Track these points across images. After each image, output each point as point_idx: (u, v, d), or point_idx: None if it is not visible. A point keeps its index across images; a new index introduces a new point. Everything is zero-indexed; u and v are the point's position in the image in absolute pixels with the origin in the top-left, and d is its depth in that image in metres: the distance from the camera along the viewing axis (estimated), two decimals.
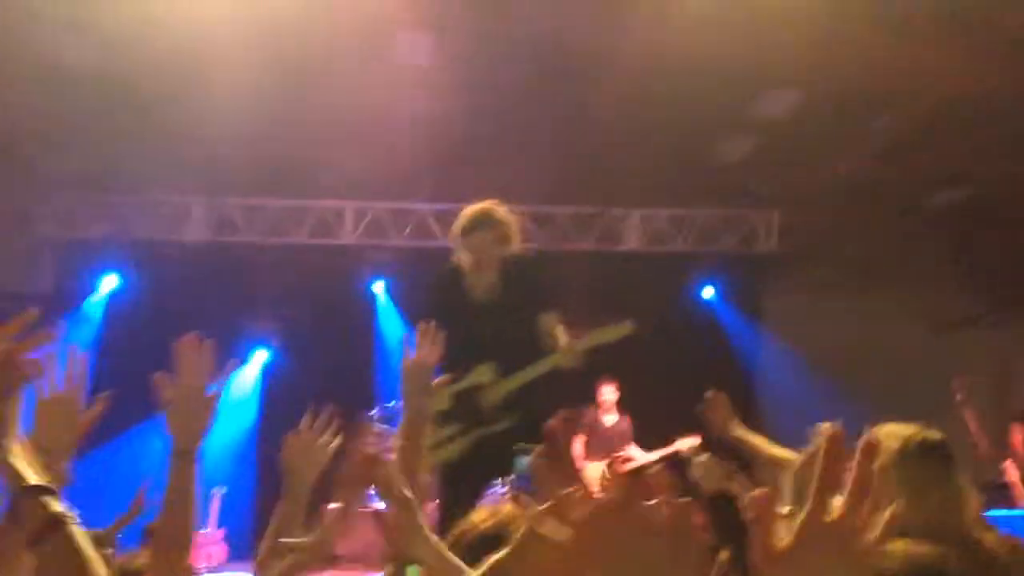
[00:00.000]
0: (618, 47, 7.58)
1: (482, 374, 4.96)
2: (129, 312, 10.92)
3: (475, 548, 2.08)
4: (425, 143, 8.98)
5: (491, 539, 2.03)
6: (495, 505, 2.38)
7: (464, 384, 4.86)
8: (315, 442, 2.74)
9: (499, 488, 6.96)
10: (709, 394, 3.57)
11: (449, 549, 2.16)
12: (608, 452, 9.39)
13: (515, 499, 2.21)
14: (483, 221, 4.95)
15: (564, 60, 7.72)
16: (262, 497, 10.78)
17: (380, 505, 2.25)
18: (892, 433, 3.08)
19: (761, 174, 10.27)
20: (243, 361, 11.44)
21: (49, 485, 1.70)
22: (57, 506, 1.68)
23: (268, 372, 11.59)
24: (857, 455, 1.16)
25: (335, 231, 11.15)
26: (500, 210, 5.01)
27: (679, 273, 11.73)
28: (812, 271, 11.94)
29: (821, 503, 1.14)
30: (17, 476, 1.68)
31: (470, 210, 5.02)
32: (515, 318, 5.00)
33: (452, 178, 9.82)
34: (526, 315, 5.02)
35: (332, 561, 9.96)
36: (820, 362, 11.50)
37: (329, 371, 10.56)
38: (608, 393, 9.72)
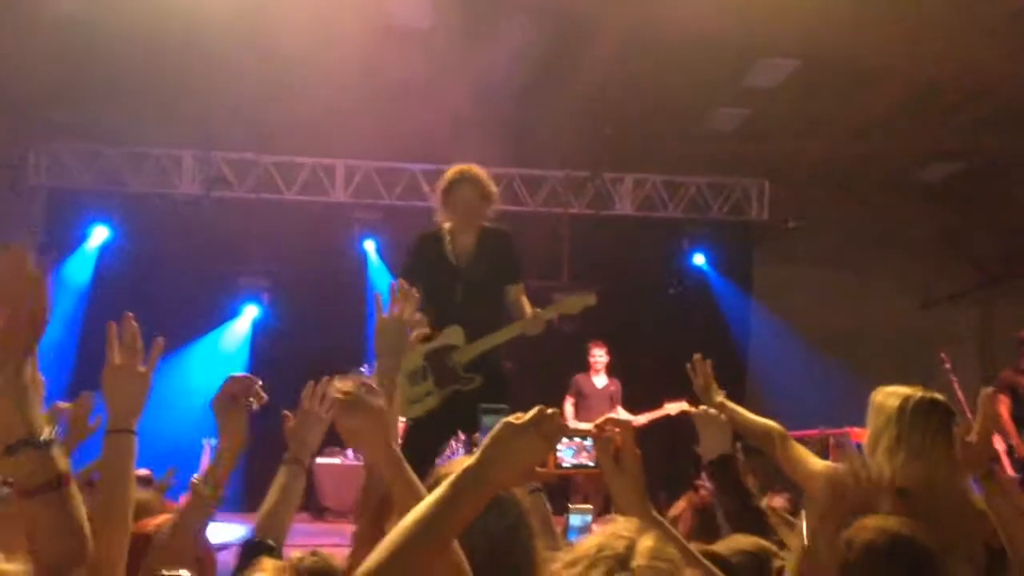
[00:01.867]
0: (615, 14, 7.55)
1: (453, 335, 5.26)
2: (119, 263, 10.91)
3: None
4: (418, 104, 8.94)
5: None
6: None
7: (436, 344, 5.19)
8: (315, 413, 2.80)
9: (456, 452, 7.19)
10: (696, 357, 3.60)
11: None
12: (597, 414, 9.46)
13: None
14: (466, 178, 5.27)
15: (560, 25, 7.70)
16: (250, 448, 10.86)
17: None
18: (892, 392, 3.11)
19: (753, 143, 10.26)
20: (232, 315, 11.46)
21: (56, 440, 1.70)
22: (63, 464, 1.70)
23: (258, 327, 11.60)
24: None
25: (325, 189, 11.13)
26: (480, 170, 5.34)
27: (670, 239, 11.75)
28: (802, 242, 11.97)
29: None
30: (31, 427, 1.67)
31: (453, 168, 5.34)
32: (486, 284, 5.34)
33: (444, 139, 9.79)
34: (495, 283, 5.37)
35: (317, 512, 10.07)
36: (809, 332, 11.57)
37: (319, 327, 10.60)
38: (598, 355, 9.80)
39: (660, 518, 2.10)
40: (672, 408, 9.19)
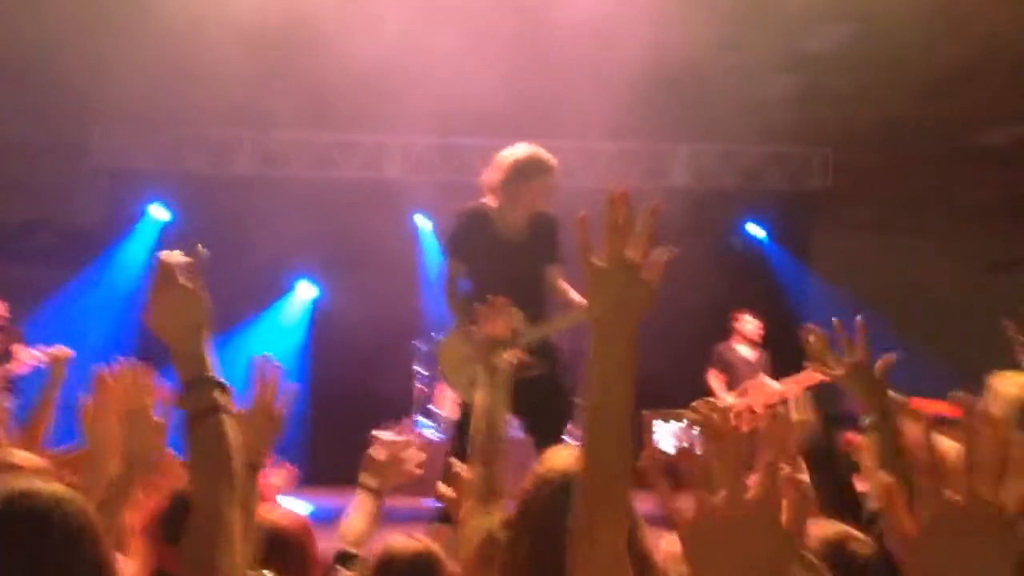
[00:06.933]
0: None
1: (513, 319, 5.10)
2: (180, 243, 11.02)
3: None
4: (468, 79, 8.91)
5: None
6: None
7: None
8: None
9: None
10: (810, 328, 3.56)
11: None
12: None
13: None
14: (547, 169, 5.17)
15: None
16: (312, 424, 11.04)
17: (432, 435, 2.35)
18: (1012, 381, 2.92)
19: (812, 111, 10.09)
20: (289, 292, 11.59)
21: (224, 382, 1.90)
22: (225, 400, 1.88)
23: (316, 304, 11.72)
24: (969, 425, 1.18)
25: (380, 166, 11.16)
26: (552, 158, 5.22)
27: (726, 210, 11.61)
28: (863, 210, 11.78)
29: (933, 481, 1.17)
30: (203, 365, 1.90)
31: (533, 154, 5.21)
32: (536, 264, 5.29)
33: (496, 114, 9.74)
34: (544, 264, 5.31)
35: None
36: (870, 302, 11.37)
37: (376, 303, 10.66)
38: (749, 324, 9.57)
39: None
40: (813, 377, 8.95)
